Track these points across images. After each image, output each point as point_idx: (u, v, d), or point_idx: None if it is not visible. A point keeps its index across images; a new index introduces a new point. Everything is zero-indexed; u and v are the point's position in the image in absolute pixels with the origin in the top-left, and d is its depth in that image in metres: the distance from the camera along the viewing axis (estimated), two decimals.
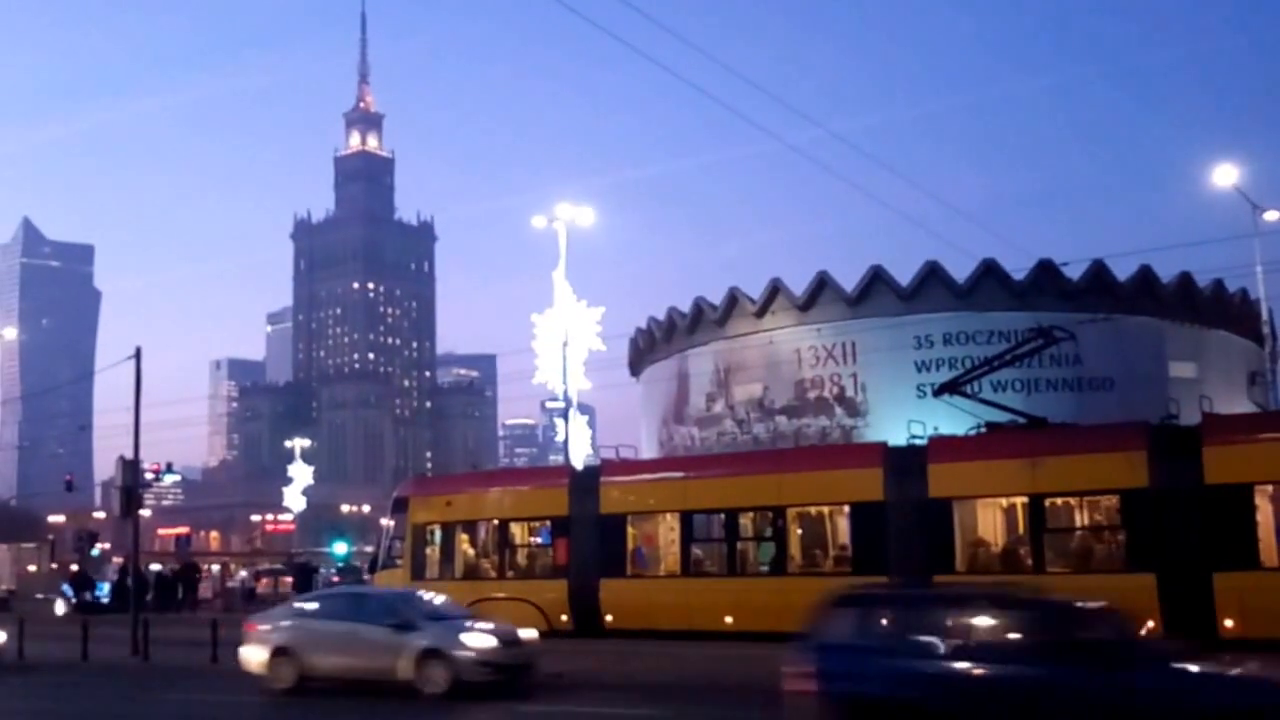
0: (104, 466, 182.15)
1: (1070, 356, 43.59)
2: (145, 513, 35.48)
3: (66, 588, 47.81)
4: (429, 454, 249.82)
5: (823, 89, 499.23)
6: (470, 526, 28.17)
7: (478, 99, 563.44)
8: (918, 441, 23.58)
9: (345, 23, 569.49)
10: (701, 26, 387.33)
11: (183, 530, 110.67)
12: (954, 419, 37.97)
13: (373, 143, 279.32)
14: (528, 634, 19.31)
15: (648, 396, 57.99)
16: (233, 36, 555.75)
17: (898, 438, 25.77)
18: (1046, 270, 44.61)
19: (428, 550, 27.94)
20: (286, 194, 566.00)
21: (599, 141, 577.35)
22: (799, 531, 24.17)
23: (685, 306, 53.81)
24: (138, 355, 33.60)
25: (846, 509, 23.04)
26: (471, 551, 28.10)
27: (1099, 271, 45.31)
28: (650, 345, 56.92)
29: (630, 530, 25.65)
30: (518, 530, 27.74)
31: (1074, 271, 45.31)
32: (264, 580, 56.23)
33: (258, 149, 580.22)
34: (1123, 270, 46.23)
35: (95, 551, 60.33)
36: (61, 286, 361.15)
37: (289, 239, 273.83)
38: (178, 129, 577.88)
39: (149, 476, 41.88)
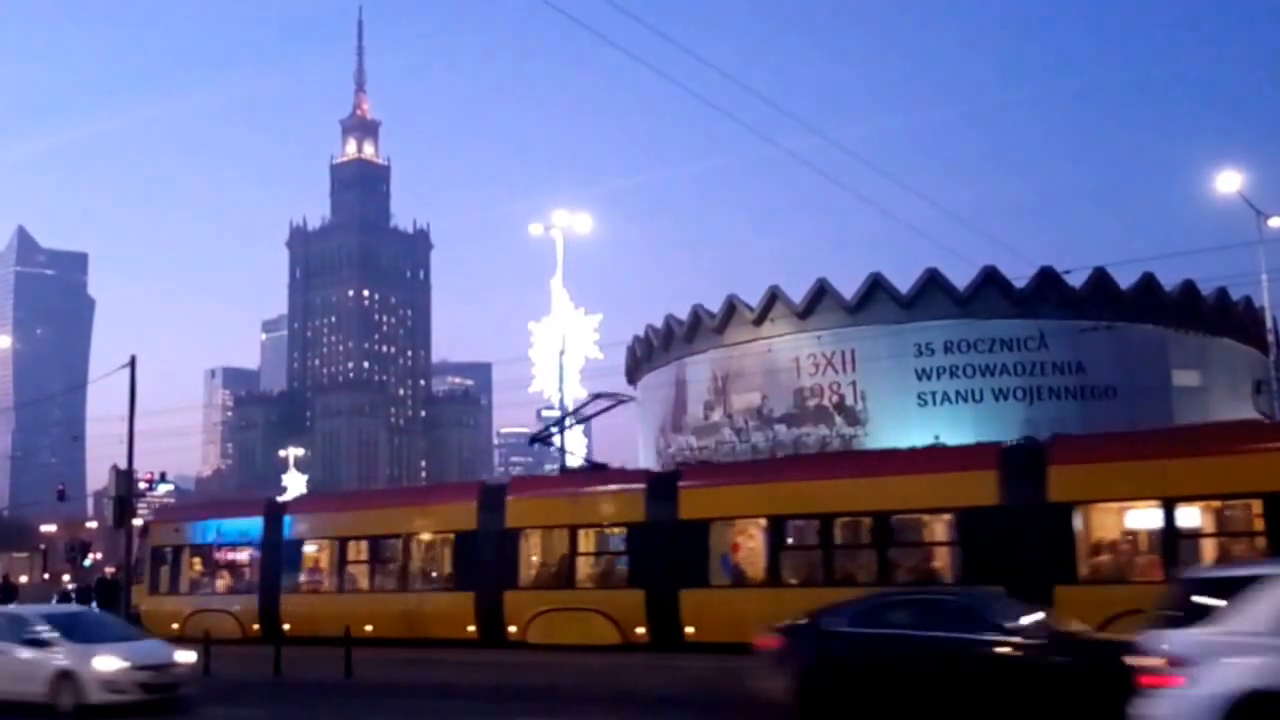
0: (97, 476, 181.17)
1: (1073, 365, 43.38)
2: (138, 522, 35.89)
3: None
4: (424, 462, 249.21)
5: (822, 96, 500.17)
6: (195, 549, 32.47)
7: (474, 107, 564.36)
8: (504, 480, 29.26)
9: (342, 32, 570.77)
10: (701, 35, 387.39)
11: None
12: (955, 428, 37.71)
13: (369, 150, 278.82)
14: (184, 657, 18.68)
15: (645, 405, 57.54)
16: (229, 46, 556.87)
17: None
18: (1048, 278, 44.32)
19: (162, 569, 32.10)
20: (282, 202, 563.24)
21: (596, 149, 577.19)
22: (412, 552, 28.64)
23: (683, 314, 53.41)
24: (132, 364, 33.30)
25: (452, 537, 27.72)
26: (194, 570, 32.30)
27: (1101, 279, 45.09)
28: (648, 353, 56.50)
29: (307, 554, 30.10)
30: (227, 553, 32.11)
31: (1076, 280, 45.24)
32: None
33: (253, 157, 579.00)
34: (1125, 279, 46.11)
35: (88, 562, 59.78)
36: (56, 295, 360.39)
37: (284, 247, 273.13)
38: (173, 138, 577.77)
39: (142, 486, 41.40)
